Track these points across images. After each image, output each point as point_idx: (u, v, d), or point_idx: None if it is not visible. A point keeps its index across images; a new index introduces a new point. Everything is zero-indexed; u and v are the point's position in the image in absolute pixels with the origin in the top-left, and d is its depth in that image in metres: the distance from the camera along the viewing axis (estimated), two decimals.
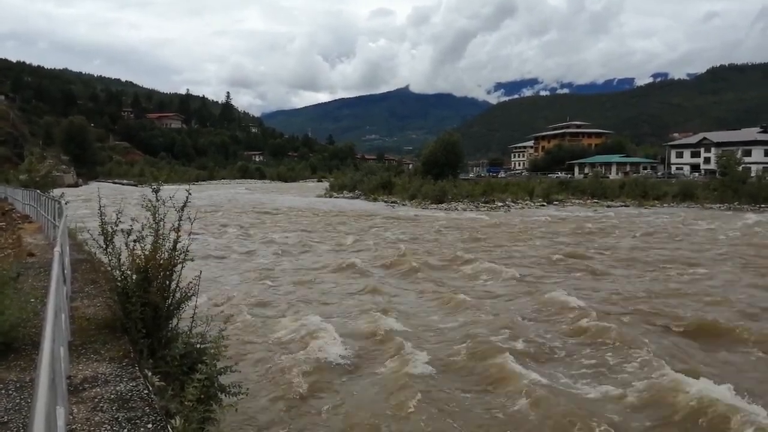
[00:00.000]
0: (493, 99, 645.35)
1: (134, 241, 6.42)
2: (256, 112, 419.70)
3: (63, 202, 14.32)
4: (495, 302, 13.62)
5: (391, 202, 54.50)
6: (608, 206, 50.49)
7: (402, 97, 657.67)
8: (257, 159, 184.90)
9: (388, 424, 7.16)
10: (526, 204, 51.12)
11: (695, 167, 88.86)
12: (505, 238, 26.46)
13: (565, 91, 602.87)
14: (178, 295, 6.48)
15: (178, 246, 6.53)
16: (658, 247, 23.22)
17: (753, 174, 55.04)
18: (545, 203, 52.18)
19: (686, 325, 11.33)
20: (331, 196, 67.98)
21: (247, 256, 21.01)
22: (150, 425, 4.10)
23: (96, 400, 4.51)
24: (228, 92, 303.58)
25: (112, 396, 4.60)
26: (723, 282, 15.86)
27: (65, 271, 7.03)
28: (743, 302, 13.28)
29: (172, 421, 4.51)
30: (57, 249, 5.73)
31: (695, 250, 22.36)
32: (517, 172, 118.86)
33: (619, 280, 16.20)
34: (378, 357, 9.66)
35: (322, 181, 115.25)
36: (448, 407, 7.61)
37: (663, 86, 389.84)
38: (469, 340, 10.23)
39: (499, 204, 49.66)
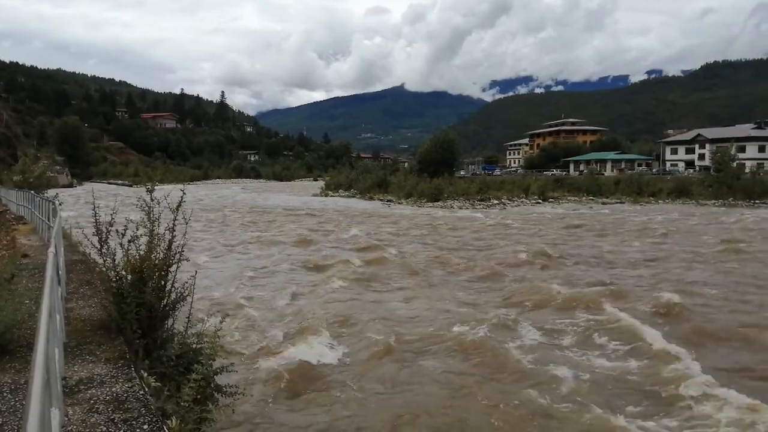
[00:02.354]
0: (488, 97, 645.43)
1: (129, 241, 6.41)
2: (251, 111, 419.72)
3: (57, 203, 14.26)
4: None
5: (387, 201, 54.51)
6: (603, 203, 50.68)
7: (397, 95, 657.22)
8: (252, 158, 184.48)
9: (389, 421, 7.16)
10: (522, 201, 51.23)
11: (690, 164, 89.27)
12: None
13: (560, 88, 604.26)
14: (173, 295, 6.47)
15: (173, 246, 6.52)
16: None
17: (747, 170, 55.34)
18: (541, 201, 52.31)
19: None
20: (326, 195, 67.91)
21: (242, 255, 20.95)
22: (146, 426, 4.10)
23: (91, 401, 4.50)
24: (223, 91, 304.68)
25: (108, 397, 4.59)
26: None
27: (60, 272, 7.00)
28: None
29: (168, 421, 4.51)
30: (51, 250, 5.71)
31: None
32: (512, 169, 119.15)
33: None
34: (376, 355, 9.64)
35: (317, 180, 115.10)
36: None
37: (657, 83, 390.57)
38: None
39: (495, 202, 49.74)
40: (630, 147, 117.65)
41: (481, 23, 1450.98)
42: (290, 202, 56.20)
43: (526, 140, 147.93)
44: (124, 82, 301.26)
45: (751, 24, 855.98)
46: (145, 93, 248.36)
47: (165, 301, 6.39)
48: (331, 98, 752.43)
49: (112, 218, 6.62)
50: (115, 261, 6.37)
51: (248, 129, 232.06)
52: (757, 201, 46.67)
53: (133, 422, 4.15)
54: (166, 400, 5.00)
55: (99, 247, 6.52)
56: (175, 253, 6.53)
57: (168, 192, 6.92)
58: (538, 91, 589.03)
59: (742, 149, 73.16)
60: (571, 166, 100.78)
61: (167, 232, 6.54)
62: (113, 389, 4.76)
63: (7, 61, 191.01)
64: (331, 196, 67.08)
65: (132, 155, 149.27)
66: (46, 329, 2.97)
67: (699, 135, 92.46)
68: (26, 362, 5.23)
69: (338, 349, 9.82)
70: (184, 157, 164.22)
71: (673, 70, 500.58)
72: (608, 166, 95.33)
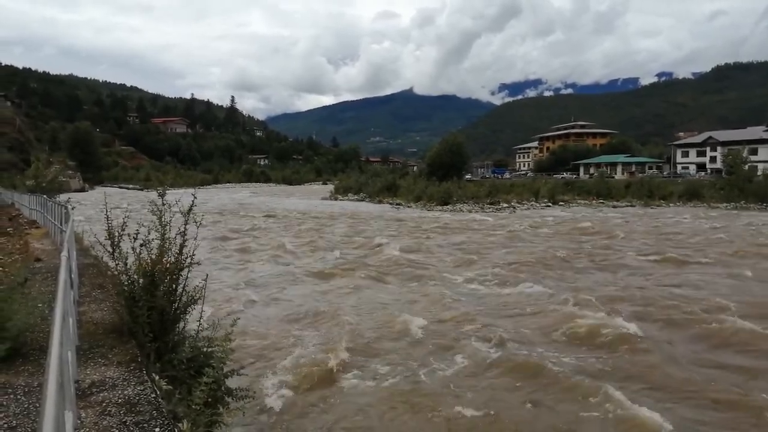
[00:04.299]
0: (497, 100, 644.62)
1: (141, 245, 6.44)
2: (260, 116, 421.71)
3: (69, 207, 14.37)
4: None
5: (396, 204, 54.48)
6: (614, 206, 50.39)
7: (406, 99, 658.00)
8: (262, 162, 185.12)
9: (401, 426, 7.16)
10: (532, 205, 51.01)
11: (701, 166, 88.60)
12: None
13: (569, 91, 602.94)
14: (184, 298, 6.49)
15: (184, 250, 6.54)
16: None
17: (759, 173, 54.81)
18: (550, 204, 52.06)
19: None
20: (336, 199, 67.99)
21: (253, 259, 20.97)
22: (157, 429, 4.11)
23: (104, 404, 4.52)
24: (232, 96, 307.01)
25: (120, 400, 4.61)
26: None
27: (72, 276, 7.05)
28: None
29: (180, 424, 4.52)
30: (64, 254, 5.75)
31: None
32: (522, 173, 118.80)
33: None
34: (387, 356, 9.62)
35: (327, 184, 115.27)
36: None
37: (667, 85, 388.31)
38: None
39: (505, 205, 49.55)
40: (640, 150, 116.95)
41: (490, 26, 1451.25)
42: (301, 206, 56.31)
43: (535, 143, 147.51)
44: (135, 87, 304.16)
45: (761, 26, 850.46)
46: (155, 98, 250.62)
47: (176, 304, 6.41)
48: (340, 102, 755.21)
49: (124, 222, 6.67)
50: (126, 265, 6.41)
51: (258, 133, 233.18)
52: None
53: (145, 425, 4.16)
54: (177, 403, 5.02)
55: (111, 251, 6.56)
56: (186, 257, 6.56)
57: (180, 196, 6.94)
58: (547, 94, 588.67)
59: (754, 152, 72.42)
60: (581, 169, 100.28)
61: (178, 236, 6.57)
62: (125, 392, 4.78)
63: (20, 67, 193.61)
64: (341, 199, 67.15)
65: (143, 160, 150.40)
66: (59, 332, 3.00)
67: (710, 138, 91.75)
68: (39, 365, 5.27)
69: None
70: (195, 161, 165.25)
71: (683, 73, 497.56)
72: (618, 169, 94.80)
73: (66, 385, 3.30)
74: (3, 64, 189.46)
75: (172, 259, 6.41)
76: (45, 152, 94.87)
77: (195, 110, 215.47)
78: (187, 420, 4.69)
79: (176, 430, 4.29)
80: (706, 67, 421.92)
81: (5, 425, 4.04)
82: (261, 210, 48.55)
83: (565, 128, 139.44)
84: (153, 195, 7.11)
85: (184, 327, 6.52)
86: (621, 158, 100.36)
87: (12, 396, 4.62)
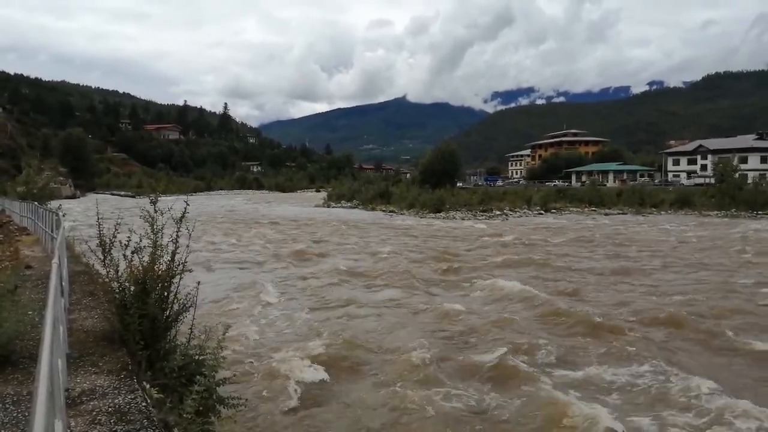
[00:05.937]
0: (490, 108, 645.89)
1: (132, 252, 6.41)
2: (253, 123, 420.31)
3: (60, 214, 14.30)
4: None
5: (389, 212, 54.48)
6: (606, 214, 50.62)
7: (399, 106, 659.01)
8: (255, 169, 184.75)
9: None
10: (524, 212, 51.17)
11: (691, 174, 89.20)
12: None
13: (562, 99, 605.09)
14: (176, 306, 6.46)
15: (176, 257, 6.52)
16: None
17: (749, 180, 55.21)
18: (543, 211, 52.25)
19: None
20: (329, 206, 67.90)
21: (246, 265, 20.93)
22: None
23: (94, 413, 4.48)
24: (226, 103, 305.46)
25: (111, 409, 4.57)
26: None
27: (63, 283, 7.01)
28: None
29: None
30: (55, 261, 5.72)
31: None
32: (514, 180, 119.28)
33: None
34: (379, 362, 9.61)
35: (320, 191, 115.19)
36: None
37: (659, 94, 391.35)
38: None
39: (497, 213, 49.70)
40: (632, 158, 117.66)
41: (484, 35, 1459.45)
42: (294, 213, 56.20)
43: (528, 151, 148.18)
44: (128, 94, 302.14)
45: (752, 35, 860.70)
46: (148, 105, 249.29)
47: (168, 312, 6.38)
48: (334, 110, 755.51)
49: (116, 229, 6.64)
50: (118, 272, 6.37)
51: (251, 140, 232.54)
52: (759, 212, 46.48)
53: None
54: (168, 412, 4.98)
55: (102, 258, 6.52)
56: (179, 264, 6.53)
57: (172, 203, 6.93)
58: (539, 102, 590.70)
59: (744, 160, 73.08)
60: (573, 177, 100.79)
61: (170, 243, 6.54)
62: (116, 401, 4.75)
63: (12, 74, 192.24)
64: (334, 207, 67.08)
65: (135, 166, 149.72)
66: (50, 340, 2.98)
67: (700, 146, 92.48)
68: (29, 373, 5.23)
69: None
70: (187, 168, 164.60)
71: (674, 81, 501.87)
72: (610, 176, 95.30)
73: (56, 393, 3.27)
74: None
75: (164, 267, 6.38)
76: (36, 159, 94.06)
77: (188, 117, 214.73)
78: (178, 429, 4.66)
79: None
80: (697, 76, 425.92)
81: None
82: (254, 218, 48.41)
83: (558, 136, 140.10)
84: (144, 202, 7.08)
85: (175, 335, 6.49)
86: (613, 166, 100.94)
87: (1, 405, 4.58)
